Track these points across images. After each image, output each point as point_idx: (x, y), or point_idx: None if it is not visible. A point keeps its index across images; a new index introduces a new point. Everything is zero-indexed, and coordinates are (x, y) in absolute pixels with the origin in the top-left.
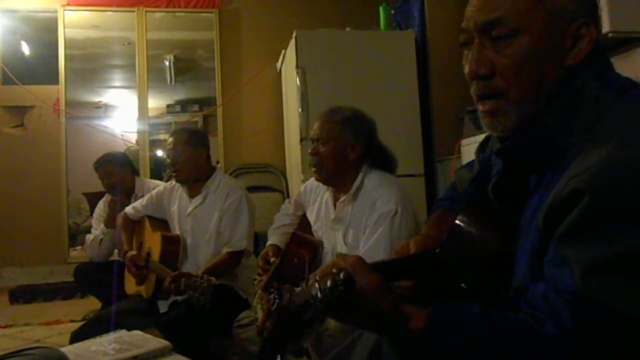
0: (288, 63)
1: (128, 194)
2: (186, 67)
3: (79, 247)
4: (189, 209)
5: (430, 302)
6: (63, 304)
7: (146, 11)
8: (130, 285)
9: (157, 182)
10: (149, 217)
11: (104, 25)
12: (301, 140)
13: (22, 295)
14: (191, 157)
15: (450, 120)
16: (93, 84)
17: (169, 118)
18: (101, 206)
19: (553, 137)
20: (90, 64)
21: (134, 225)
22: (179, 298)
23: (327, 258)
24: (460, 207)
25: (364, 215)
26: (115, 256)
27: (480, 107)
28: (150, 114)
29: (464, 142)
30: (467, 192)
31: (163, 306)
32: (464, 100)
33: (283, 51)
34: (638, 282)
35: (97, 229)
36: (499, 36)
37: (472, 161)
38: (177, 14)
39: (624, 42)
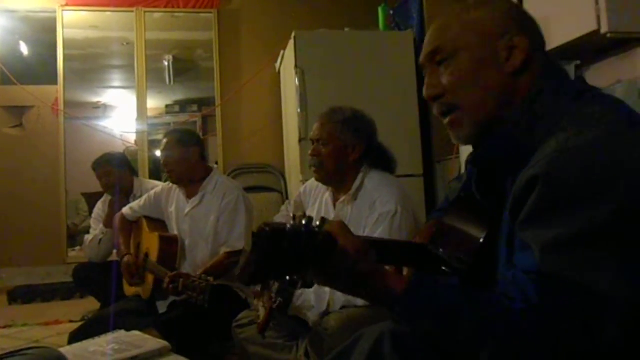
0: (287, 63)
1: (127, 194)
2: (185, 68)
3: (77, 248)
4: (187, 210)
5: None
6: (62, 305)
7: (145, 11)
8: (129, 286)
9: (156, 182)
10: (147, 217)
11: (102, 26)
12: (300, 140)
13: (21, 295)
14: (183, 156)
15: None
16: (92, 84)
17: (168, 118)
18: (100, 206)
19: (518, 141)
20: (89, 64)
21: (131, 226)
22: (177, 299)
23: None
24: (447, 209)
25: (364, 215)
26: (114, 256)
27: (445, 123)
28: (149, 114)
29: None
30: (455, 197)
31: (162, 307)
32: None
33: (282, 51)
34: (592, 256)
35: (96, 229)
36: (441, 60)
37: (463, 174)
38: (176, 14)
39: (622, 43)
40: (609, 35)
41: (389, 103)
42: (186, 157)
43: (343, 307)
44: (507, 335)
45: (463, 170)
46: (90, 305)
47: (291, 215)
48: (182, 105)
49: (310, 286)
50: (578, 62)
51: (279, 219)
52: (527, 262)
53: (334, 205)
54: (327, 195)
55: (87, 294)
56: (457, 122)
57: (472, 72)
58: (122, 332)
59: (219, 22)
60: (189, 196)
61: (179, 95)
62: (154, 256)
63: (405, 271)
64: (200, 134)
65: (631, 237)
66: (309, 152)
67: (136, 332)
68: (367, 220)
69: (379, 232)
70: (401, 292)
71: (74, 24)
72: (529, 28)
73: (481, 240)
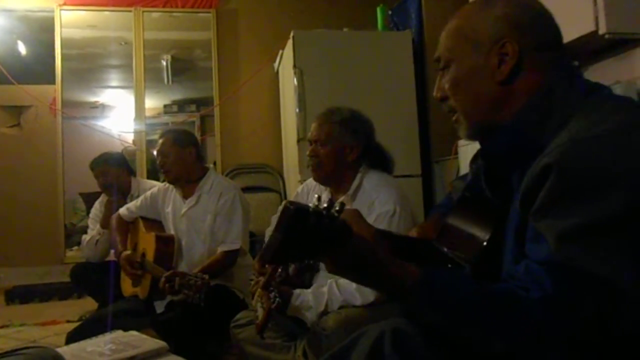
0: (285, 63)
1: (124, 194)
2: (183, 67)
3: (75, 248)
4: (183, 210)
5: None
6: (59, 305)
7: (143, 11)
8: (127, 287)
9: (154, 182)
10: (143, 218)
11: (100, 25)
12: (298, 140)
13: (18, 295)
14: (179, 156)
15: (448, 121)
16: (90, 83)
17: (166, 118)
18: (97, 206)
19: (527, 137)
20: (87, 64)
21: (128, 227)
22: (175, 298)
23: None
24: (452, 208)
25: (362, 215)
26: (111, 256)
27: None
28: (147, 114)
29: (461, 142)
30: (460, 197)
31: (159, 307)
32: None
33: (280, 51)
34: (607, 247)
35: (94, 229)
36: (443, 68)
37: (467, 173)
38: (174, 13)
39: (620, 44)
40: (607, 36)
41: (387, 103)
42: (182, 157)
43: (341, 308)
44: (522, 325)
45: (462, 170)
46: (87, 305)
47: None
48: (180, 105)
49: (316, 271)
50: (576, 63)
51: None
52: (542, 253)
53: None
54: (325, 195)
55: (84, 294)
56: (458, 122)
57: (463, 82)
58: (120, 332)
59: (218, 22)
60: (186, 196)
61: (177, 95)
62: (150, 256)
63: None
64: (199, 134)
65: None
66: (307, 153)
67: (134, 332)
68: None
69: None
70: (415, 282)
71: (72, 23)
72: (530, 29)
73: (485, 243)
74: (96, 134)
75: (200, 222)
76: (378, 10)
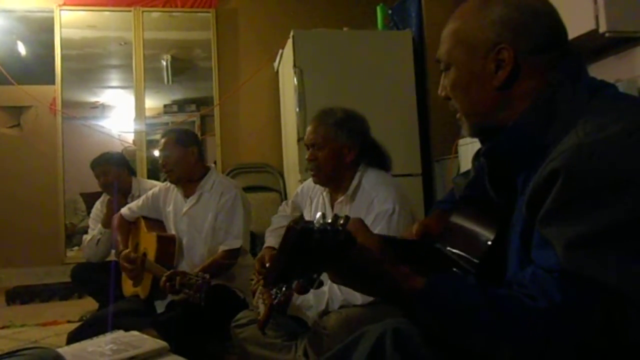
0: (285, 63)
1: (125, 194)
2: (183, 67)
3: (76, 248)
4: (184, 209)
5: None
6: (60, 305)
7: (143, 11)
8: (128, 287)
9: (154, 182)
10: (145, 217)
11: (100, 25)
12: (299, 140)
13: (19, 296)
14: (182, 156)
15: (448, 120)
16: (90, 84)
17: (166, 118)
18: (98, 206)
19: (531, 139)
20: (87, 64)
21: (129, 226)
22: (175, 298)
23: None
24: (455, 207)
25: (362, 215)
26: (112, 256)
27: None
28: (147, 114)
29: (461, 142)
30: (463, 195)
31: (160, 306)
32: None
33: (280, 51)
34: (615, 254)
35: (94, 229)
36: (444, 70)
37: (469, 170)
38: (174, 13)
39: (621, 42)
40: (607, 34)
41: (387, 102)
42: (184, 156)
43: (342, 307)
44: (529, 334)
45: (462, 168)
46: (88, 305)
47: (288, 214)
48: (180, 105)
49: (320, 286)
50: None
51: (277, 218)
52: (549, 260)
53: (332, 206)
54: (324, 195)
55: (85, 294)
56: (461, 121)
57: (461, 85)
58: (121, 332)
59: (217, 22)
60: (187, 195)
61: (177, 95)
62: (151, 256)
63: None
64: (199, 134)
65: None
66: (306, 157)
67: (134, 332)
68: (365, 220)
69: (377, 231)
70: (421, 290)
71: (72, 23)
72: (528, 31)
73: (489, 243)
74: (96, 134)
75: (201, 221)
76: (378, 9)
